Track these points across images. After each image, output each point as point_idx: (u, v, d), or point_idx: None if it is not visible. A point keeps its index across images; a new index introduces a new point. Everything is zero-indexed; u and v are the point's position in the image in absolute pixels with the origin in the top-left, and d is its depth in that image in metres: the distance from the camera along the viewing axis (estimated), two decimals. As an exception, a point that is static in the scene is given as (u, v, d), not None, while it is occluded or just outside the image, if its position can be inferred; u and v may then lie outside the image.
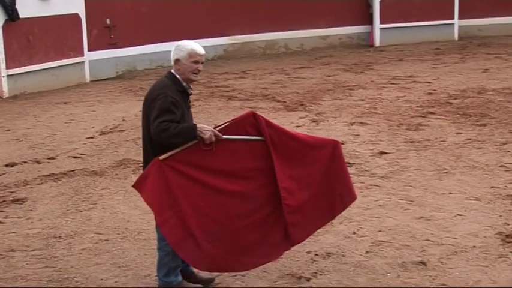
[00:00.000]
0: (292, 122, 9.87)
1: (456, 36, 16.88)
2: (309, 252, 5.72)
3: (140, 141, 9.13)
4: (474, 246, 5.69)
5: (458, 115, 9.95)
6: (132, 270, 5.57)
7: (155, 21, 14.65)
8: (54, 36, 12.95)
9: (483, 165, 7.74)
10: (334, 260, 5.58)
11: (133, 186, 4.93)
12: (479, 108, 10.23)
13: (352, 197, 5.30)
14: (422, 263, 5.43)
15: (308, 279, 5.30)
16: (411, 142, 8.67)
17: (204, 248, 4.84)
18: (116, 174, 8.00)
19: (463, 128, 9.24)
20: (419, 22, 16.71)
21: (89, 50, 13.64)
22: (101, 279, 5.43)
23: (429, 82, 12.33)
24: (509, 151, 8.16)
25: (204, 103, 11.42)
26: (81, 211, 6.89)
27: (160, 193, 4.74)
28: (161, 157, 4.74)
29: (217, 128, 4.89)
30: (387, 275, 5.23)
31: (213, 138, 4.77)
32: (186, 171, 4.78)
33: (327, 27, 16.48)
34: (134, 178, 7.77)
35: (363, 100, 11.16)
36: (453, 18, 16.81)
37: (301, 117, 10.17)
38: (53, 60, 12.93)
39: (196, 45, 4.97)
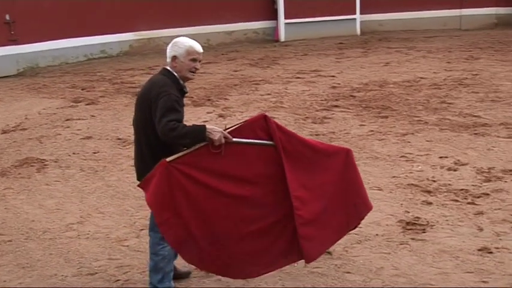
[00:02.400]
0: (199, 118, 9.88)
1: (358, 31, 17.31)
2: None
3: (44, 140, 9.00)
4: (377, 235, 5.87)
5: (361, 108, 10.21)
6: (37, 271, 5.44)
7: (58, 17, 14.33)
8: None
9: (385, 156, 7.98)
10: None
11: (138, 185, 4.66)
12: (381, 101, 10.53)
13: (368, 208, 5.06)
14: (328, 252, 5.55)
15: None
16: (316, 135, 8.83)
17: (204, 249, 4.61)
18: (19, 174, 7.79)
19: (366, 120, 9.49)
20: (323, 17, 17.04)
21: (-13, 47, 13.24)
22: (4, 281, 5.28)
23: (333, 76, 12.60)
24: (409, 142, 8.44)
25: (110, 99, 11.27)
26: (-18, 212, 6.69)
27: (163, 195, 4.47)
28: (168, 159, 4.46)
29: (227, 130, 4.61)
30: (294, 265, 5.31)
31: (223, 140, 4.52)
32: (193, 175, 4.51)
33: (232, 23, 16.57)
34: (38, 177, 7.64)
35: (269, 94, 11.29)
36: (355, 14, 17.23)
37: (208, 112, 10.19)
38: (-50, 57, 12.48)
39: (195, 43, 4.78)
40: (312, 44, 16.22)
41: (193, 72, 4.78)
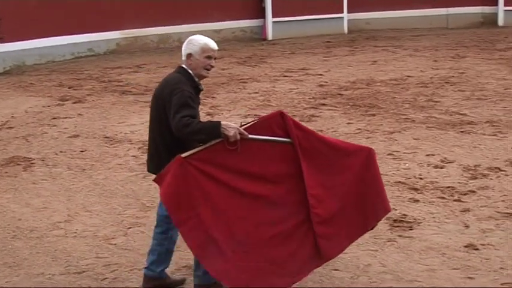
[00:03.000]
0: (187, 116, 9.86)
1: (346, 30, 17.33)
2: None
3: (31, 138, 8.96)
4: (364, 232, 5.89)
5: (348, 106, 10.24)
6: (24, 270, 5.43)
7: (45, 15, 14.26)
8: None
9: (372, 153, 7.99)
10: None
11: (153, 180, 4.60)
12: (368, 99, 10.57)
13: (386, 209, 4.98)
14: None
15: (204, 271, 5.34)
16: (304, 133, 8.84)
17: (229, 258, 4.46)
18: (6, 172, 7.76)
19: (353, 119, 9.52)
20: (311, 16, 17.04)
21: (-27, 45, 13.17)
22: (-9, 280, 5.28)
23: (321, 74, 12.62)
24: (396, 140, 8.48)
25: (97, 98, 11.23)
26: (-32, 211, 6.66)
27: (178, 191, 4.40)
28: (183, 154, 4.41)
29: (243, 127, 4.55)
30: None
31: (238, 137, 4.47)
32: (208, 171, 4.45)
33: (220, 21, 16.54)
34: (25, 176, 7.62)
35: (257, 93, 11.30)
36: (342, 12, 17.26)
37: (195, 111, 10.18)
38: None
39: (210, 40, 4.80)
40: (299, 43, 16.23)
41: (208, 70, 4.79)
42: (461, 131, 8.70)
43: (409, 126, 9.03)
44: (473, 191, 6.77)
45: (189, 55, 4.76)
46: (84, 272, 5.38)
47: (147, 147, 5.12)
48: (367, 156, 4.83)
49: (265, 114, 4.88)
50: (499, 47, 14.46)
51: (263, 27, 17.01)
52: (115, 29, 15.39)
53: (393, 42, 15.69)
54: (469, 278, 5.11)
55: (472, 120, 9.15)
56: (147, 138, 8.69)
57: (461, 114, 9.51)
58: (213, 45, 4.78)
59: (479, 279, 5.08)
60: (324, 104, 10.39)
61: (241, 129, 4.51)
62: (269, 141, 4.60)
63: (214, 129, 4.47)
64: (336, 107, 10.23)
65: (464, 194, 6.69)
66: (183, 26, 15.96)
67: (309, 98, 10.81)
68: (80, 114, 10.25)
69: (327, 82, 11.94)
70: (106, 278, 5.28)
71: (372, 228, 5.04)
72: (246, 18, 16.90)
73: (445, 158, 7.74)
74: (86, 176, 7.61)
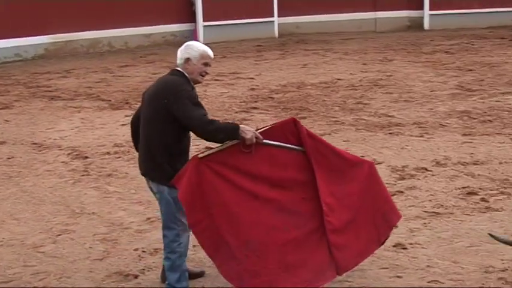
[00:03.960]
0: (117, 121, 9.78)
1: (276, 34, 17.45)
2: (136, 250, 5.72)
3: None
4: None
5: (279, 109, 10.33)
6: None
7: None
8: None
9: (303, 156, 8.08)
10: (162, 256, 5.59)
11: (171, 182, 4.59)
12: (299, 102, 10.68)
13: (397, 216, 5.19)
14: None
15: (136, 276, 5.31)
16: (235, 137, 8.86)
17: (241, 261, 4.56)
18: None
19: (284, 122, 9.59)
20: (242, 20, 17.09)
21: None
22: None
23: (252, 78, 12.67)
24: (326, 142, 8.59)
25: (25, 104, 11.00)
26: None
27: (194, 192, 4.48)
28: (200, 155, 4.56)
29: (258, 131, 4.70)
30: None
31: (254, 140, 4.62)
32: (223, 173, 4.57)
33: (150, 25, 16.42)
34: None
35: (188, 97, 11.25)
36: (273, 16, 17.37)
37: (126, 116, 10.07)
38: None
39: (208, 48, 4.97)
40: (230, 47, 16.26)
41: (203, 76, 4.93)
42: (390, 133, 8.89)
43: (339, 128, 9.17)
44: (401, 191, 6.92)
45: (187, 59, 4.88)
46: (11, 281, 5.27)
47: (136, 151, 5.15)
48: (369, 169, 5.00)
49: (279, 121, 5.07)
50: (425, 50, 14.81)
51: (194, 31, 16.97)
52: (43, 34, 15.10)
53: (323, 46, 15.88)
54: (398, 276, 5.23)
55: (399, 122, 9.36)
56: (76, 144, 8.75)
57: (389, 116, 9.71)
58: (211, 53, 4.98)
59: (407, 278, 5.21)
60: (255, 108, 10.45)
61: (257, 133, 4.65)
62: (282, 147, 4.73)
63: (234, 130, 4.62)
64: (267, 110, 10.30)
65: (393, 195, 6.78)
66: (113, 30, 15.77)
67: (240, 102, 10.85)
68: (6, 120, 10.01)
69: (258, 86, 12.00)
70: (34, 287, 5.18)
71: (386, 238, 5.17)
72: (176, 22, 16.82)
73: (374, 159, 7.86)
74: (14, 183, 7.44)
